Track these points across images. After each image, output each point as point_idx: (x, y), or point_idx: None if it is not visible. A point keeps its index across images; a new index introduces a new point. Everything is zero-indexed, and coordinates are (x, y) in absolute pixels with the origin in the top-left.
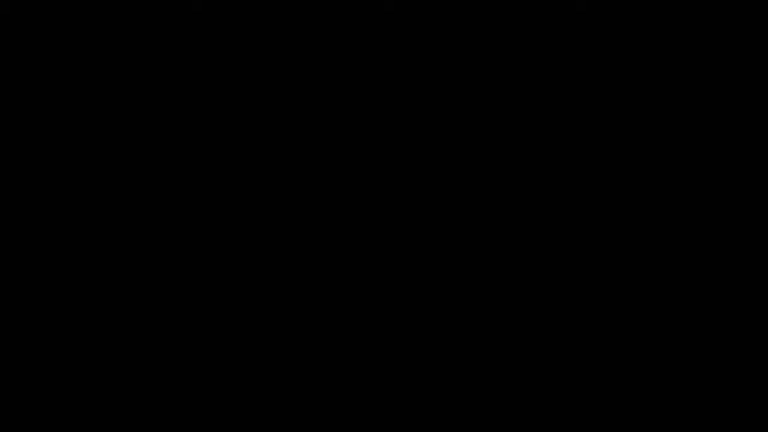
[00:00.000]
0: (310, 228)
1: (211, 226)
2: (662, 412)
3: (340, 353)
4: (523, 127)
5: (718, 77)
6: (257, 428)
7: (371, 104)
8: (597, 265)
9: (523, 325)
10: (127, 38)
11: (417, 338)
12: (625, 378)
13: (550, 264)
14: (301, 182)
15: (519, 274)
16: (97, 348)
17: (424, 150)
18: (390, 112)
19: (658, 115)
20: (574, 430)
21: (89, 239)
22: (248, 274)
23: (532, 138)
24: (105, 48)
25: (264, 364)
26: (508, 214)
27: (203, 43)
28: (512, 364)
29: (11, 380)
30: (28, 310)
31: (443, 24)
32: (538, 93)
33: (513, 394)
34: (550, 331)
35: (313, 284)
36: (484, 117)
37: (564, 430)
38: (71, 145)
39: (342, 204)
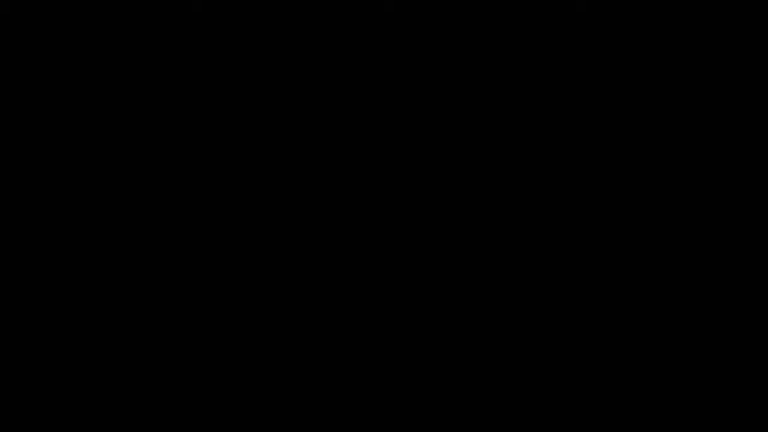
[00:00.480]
0: (310, 228)
1: (211, 226)
2: (662, 412)
3: (340, 353)
4: (523, 127)
5: (718, 77)
6: (257, 428)
7: (371, 104)
8: (597, 265)
9: (523, 325)
10: (127, 38)
11: (417, 338)
12: (625, 378)
13: (550, 264)
14: (301, 182)
15: (519, 274)
16: (97, 348)
17: (424, 150)
18: (390, 112)
19: (658, 115)
20: (574, 430)
21: (89, 239)
22: (248, 274)
23: (532, 138)
24: (105, 48)
25: (264, 364)
26: (509, 214)
27: (203, 43)
28: (512, 364)
29: (11, 380)
30: (28, 310)
31: (443, 24)
32: (538, 93)
33: (513, 394)
34: (550, 331)
35: (313, 284)
36: (484, 117)
37: (564, 430)
38: (71, 145)
39: (342, 204)
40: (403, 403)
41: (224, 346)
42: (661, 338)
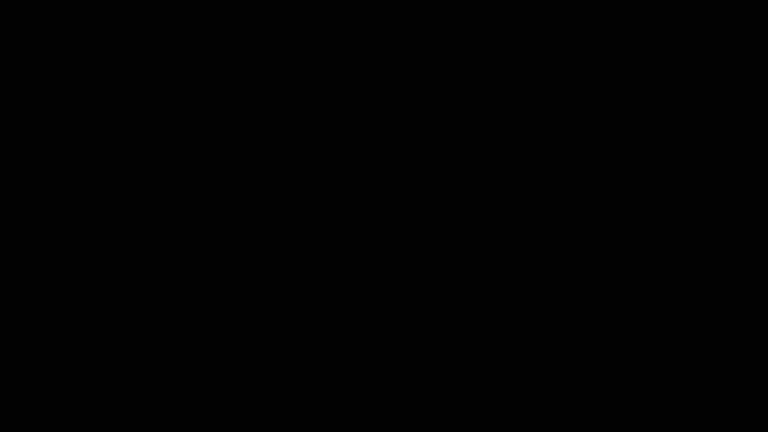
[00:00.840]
0: (310, 228)
1: (211, 226)
2: (662, 412)
3: (340, 353)
4: (523, 127)
5: (718, 77)
6: (257, 428)
7: (371, 104)
8: (597, 265)
9: (523, 325)
10: (127, 38)
11: (417, 338)
12: (625, 378)
13: (550, 264)
14: (301, 182)
15: (519, 274)
16: (97, 348)
17: (424, 150)
18: (390, 112)
19: (658, 115)
20: (574, 430)
21: (89, 239)
22: (248, 274)
23: (532, 138)
24: (105, 48)
25: (264, 364)
26: (508, 214)
27: (203, 43)
28: (512, 364)
29: (11, 380)
30: (28, 310)
31: (443, 24)
32: (538, 93)
33: (513, 394)
34: (550, 331)
35: (313, 284)
36: (484, 117)
37: (564, 430)
38: (71, 145)
39: (342, 204)
40: (403, 403)
41: (224, 346)
42: (661, 338)
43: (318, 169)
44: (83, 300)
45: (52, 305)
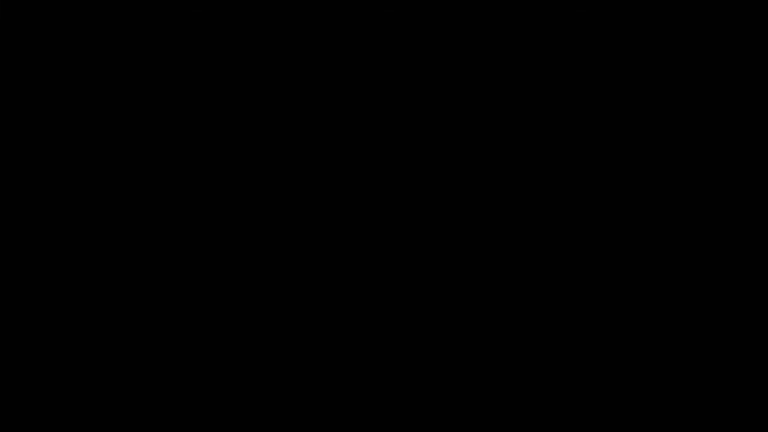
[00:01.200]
0: (310, 228)
1: (211, 226)
2: (662, 412)
3: (341, 353)
4: (523, 126)
5: (718, 77)
6: (257, 428)
7: (371, 104)
8: (597, 265)
9: (523, 325)
10: (127, 38)
11: (417, 338)
12: (625, 378)
13: (550, 264)
14: (301, 182)
15: (519, 274)
16: (97, 348)
17: (424, 149)
18: (390, 112)
19: (658, 115)
20: (574, 430)
21: (89, 239)
22: (248, 274)
23: (532, 137)
24: (105, 48)
25: (264, 364)
26: (508, 214)
27: (203, 43)
28: (512, 364)
29: (11, 380)
30: (28, 310)
31: (443, 24)
32: (538, 93)
33: (513, 395)
34: (550, 331)
35: (313, 284)
36: (484, 117)
37: (564, 430)
38: (71, 145)
39: (342, 204)
40: (403, 403)
41: (224, 346)
42: (661, 338)
43: (317, 168)
44: (83, 299)
45: (52, 305)
